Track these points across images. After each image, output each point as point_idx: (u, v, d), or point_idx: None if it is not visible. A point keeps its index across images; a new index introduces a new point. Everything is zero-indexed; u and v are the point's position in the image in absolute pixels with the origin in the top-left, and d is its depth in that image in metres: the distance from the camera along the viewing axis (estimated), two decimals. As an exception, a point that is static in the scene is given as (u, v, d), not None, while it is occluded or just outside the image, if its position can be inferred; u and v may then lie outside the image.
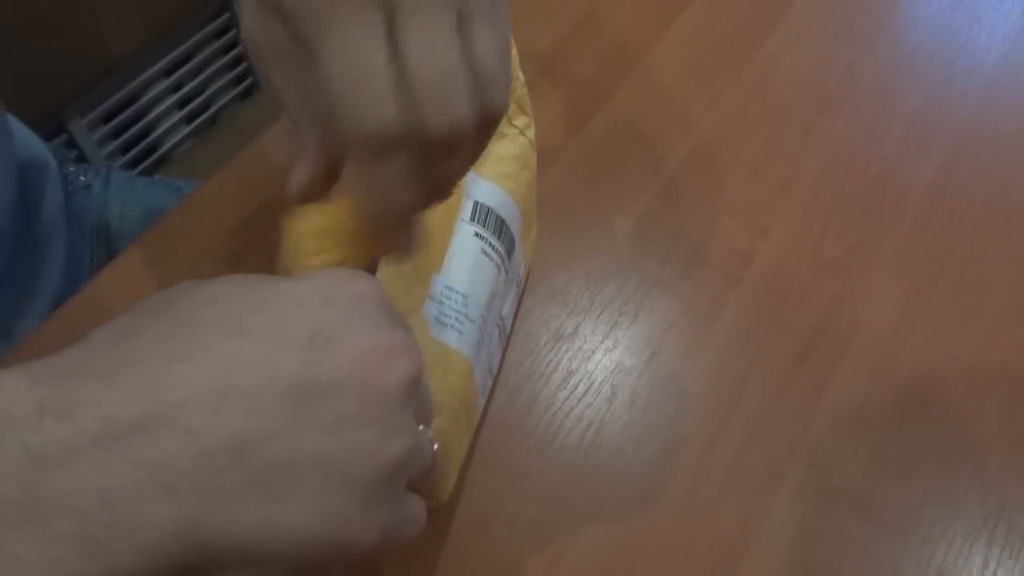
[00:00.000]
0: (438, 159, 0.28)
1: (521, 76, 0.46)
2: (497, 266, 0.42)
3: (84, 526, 0.20)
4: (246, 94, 1.15)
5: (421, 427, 0.29)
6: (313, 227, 0.30)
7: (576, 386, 0.51)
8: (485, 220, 0.41)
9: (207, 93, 1.11)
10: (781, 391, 0.52)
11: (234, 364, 0.23)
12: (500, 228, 0.42)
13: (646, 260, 0.56)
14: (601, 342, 0.52)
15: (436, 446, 0.30)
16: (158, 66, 1.02)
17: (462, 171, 0.30)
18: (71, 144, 0.97)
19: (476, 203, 0.41)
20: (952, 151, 0.62)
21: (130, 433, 0.21)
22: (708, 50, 0.66)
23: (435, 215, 0.39)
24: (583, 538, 0.47)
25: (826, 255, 0.57)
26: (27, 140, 0.69)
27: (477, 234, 0.40)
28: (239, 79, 1.14)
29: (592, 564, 0.46)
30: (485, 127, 0.28)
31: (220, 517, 0.22)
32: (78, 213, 0.73)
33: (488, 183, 0.43)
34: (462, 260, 0.39)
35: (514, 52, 0.46)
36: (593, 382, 0.51)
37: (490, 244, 0.41)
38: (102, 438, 0.21)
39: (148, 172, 1.08)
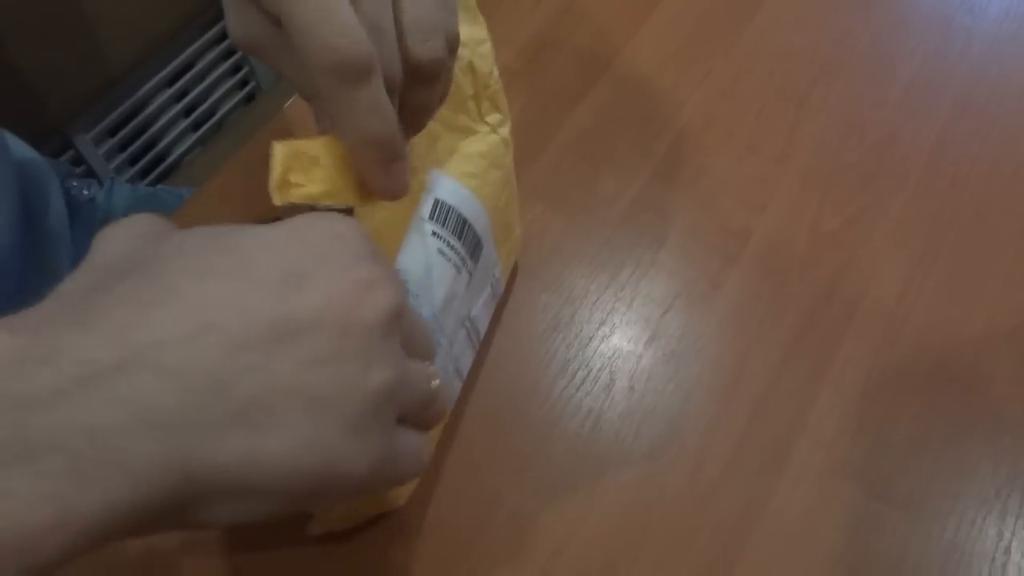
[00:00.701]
0: (421, 87, 0.31)
1: (495, 72, 0.46)
2: (456, 266, 0.41)
3: (74, 462, 0.21)
4: (249, 98, 1.16)
5: (418, 362, 0.29)
6: (300, 158, 0.30)
7: (574, 375, 0.50)
8: (445, 219, 0.40)
9: (211, 100, 1.11)
10: (782, 369, 0.51)
11: (207, 304, 0.24)
12: (462, 227, 0.41)
13: (641, 244, 0.55)
14: (598, 329, 0.52)
15: (436, 382, 0.30)
16: (160, 76, 1.03)
17: (441, 99, 0.33)
18: (78, 159, 0.98)
19: (437, 200, 0.41)
20: (953, 112, 0.61)
21: (111, 374, 0.22)
22: (696, 27, 0.65)
23: (387, 214, 0.38)
24: (586, 528, 0.46)
25: (825, 227, 0.56)
26: (27, 157, 0.69)
27: (435, 233, 0.40)
28: (242, 84, 1.14)
29: (596, 553, 0.46)
30: (451, 54, 0.31)
31: (205, 449, 0.23)
32: (82, 227, 0.73)
33: (451, 180, 0.42)
34: (415, 259, 0.38)
35: (489, 46, 0.46)
36: (591, 369, 0.51)
37: (448, 244, 0.40)
38: (84, 380, 0.22)
39: (157, 181, 1.09)
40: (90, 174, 1.00)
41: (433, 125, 0.41)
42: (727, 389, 0.50)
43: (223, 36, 1.10)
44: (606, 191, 0.57)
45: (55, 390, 0.21)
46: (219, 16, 1.07)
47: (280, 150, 0.30)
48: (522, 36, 0.65)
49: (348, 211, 0.35)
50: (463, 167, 0.43)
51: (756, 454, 0.48)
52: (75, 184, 0.76)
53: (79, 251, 0.70)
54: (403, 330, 0.28)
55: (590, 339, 0.52)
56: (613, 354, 0.51)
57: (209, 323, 0.24)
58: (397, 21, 0.30)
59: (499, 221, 0.47)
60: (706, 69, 0.63)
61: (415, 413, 0.30)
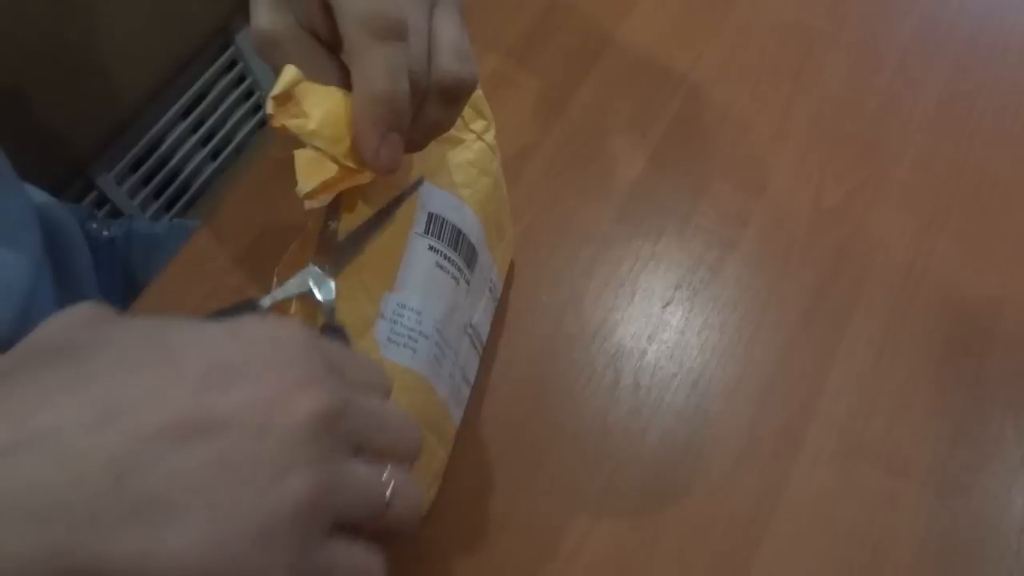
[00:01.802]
0: (442, 105, 0.33)
1: None
2: (455, 278, 0.41)
3: None
4: (264, 122, 1.17)
5: (370, 465, 0.27)
6: (310, 90, 0.32)
7: (579, 374, 0.50)
8: (440, 232, 0.41)
9: (227, 127, 1.13)
10: (790, 352, 0.50)
11: (119, 396, 0.23)
12: (457, 239, 0.42)
13: (638, 238, 0.54)
14: (600, 327, 0.52)
15: (391, 489, 0.28)
16: (175, 109, 1.04)
17: (451, 122, 0.35)
18: (102, 199, 1.00)
19: (431, 215, 0.41)
20: (954, 72, 0.59)
21: None
22: (683, 10, 0.64)
23: (385, 234, 0.38)
24: (600, 528, 0.46)
25: (827, 202, 0.55)
26: (49, 205, 0.71)
27: (431, 247, 0.40)
28: (255, 108, 1.16)
29: (611, 554, 0.45)
30: (472, 90, 0.34)
31: (94, 546, 0.21)
32: (104, 268, 0.75)
33: (443, 192, 0.42)
34: (415, 276, 0.39)
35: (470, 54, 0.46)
36: (596, 368, 0.50)
37: (445, 256, 0.41)
38: None
39: (183, 211, 1.11)
40: (115, 213, 1.02)
41: None
42: (734, 378, 0.49)
43: (233, 63, 1.11)
44: (601, 186, 0.57)
45: None
46: (228, 44, 1.08)
47: (290, 71, 0.31)
48: (509, 37, 0.64)
49: (333, 203, 0.37)
50: (453, 177, 0.43)
51: (768, 441, 0.48)
52: (94, 226, 0.78)
53: (104, 292, 0.72)
54: (354, 431, 0.27)
55: (592, 338, 0.51)
56: (616, 351, 0.51)
57: (116, 412, 0.22)
58: (432, 37, 0.32)
59: (492, 225, 0.47)
60: (696, 52, 0.62)
61: (365, 522, 0.27)
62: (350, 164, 0.33)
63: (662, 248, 0.54)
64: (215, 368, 0.24)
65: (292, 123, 0.32)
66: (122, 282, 0.77)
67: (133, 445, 0.22)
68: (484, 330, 0.48)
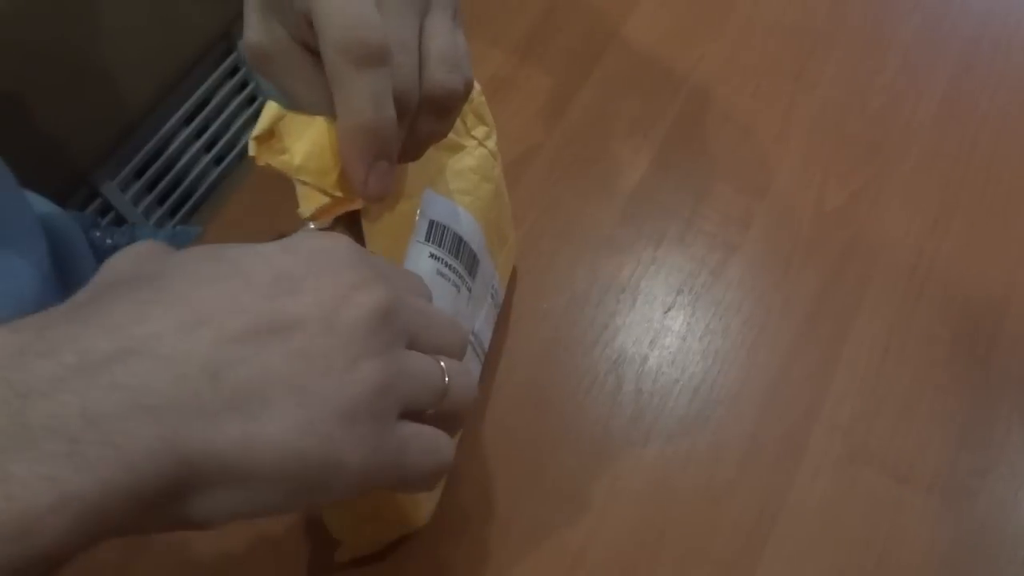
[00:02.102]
0: (434, 117, 0.33)
1: (478, 85, 0.45)
2: (456, 285, 0.41)
3: (73, 445, 0.21)
4: (268, 127, 1.17)
5: (426, 357, 0.30)
6: (292, 122, 0.31)
7: (580, 381, 0.50)
8: (441, 239, 0.40)
9: (230, 132, 1.13)
10: (793, 356, 0.50)
11: (201, 303, 0.25)
12: (458, 246, 0.41)
13: (639, 241, 0.54)
14: (601, 333, 0.51)
15: (448, 376, 0.30)
16: (178, 115, 1.05)
17: (446, 132, 0.35)
18: (107, 207, 1.00)
19: (431, 222, 0.41)
20: (957, 71, 0.59)
21: (108, 362, 0.23)
22: (685, 10, 0.64)
23: (386, 241, 0.38)
24: (603, 535, 0.46)
25: (830, 204, 0.55)
26: (53, 214, 0.71)
27: (432, 255, 0.40)
28: (258, 114, 1.16)
29: (614, 560, 0.45)
30: (466, 96, 0.34)
31: (201, 434, 0.23)
32: (109, 276, 0.75)
33: (444, 199, 0.42)
34: None
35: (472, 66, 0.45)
36: (597, 375, 0.50)
37: (446, 264, 0.40)
38: (83, 368, 0.23)
39: (187, 217, 1.11)
40: (119, 220, 1.02)
41: None
42: (737, 382, 0.49)
43: (236, 68, 1.11)
44: (602, 189, 0.56)
45: (54, 378, 0.22)
46: (230, 49, 1.08)
47: (271, 108, 0.31)
48: (510, 38, 0.64)
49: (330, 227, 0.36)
50: (454, 184, 0.43)
51: (771, 447, 0.47)
52: (98, 235, 0.78)
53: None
54: (405, 325, 0.29)
55: (594, 344, 0.51)
56: (618, 357, 0.50)
57: (203, 318, 0.25)
58: (423, 48, 0.32)
59: (493, 232, 0.47)
60: (698, 53, 0.62)
61: (428, 406, 0.30)
62: (339, 194, 0.32)
63: (664, 252, 0.54)
64: (281, 277, 0.27)
65: (276, 160, 0.31)
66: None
67: (222, 346, 0.25)
68: (486, 337, 0.48)
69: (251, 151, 0.31)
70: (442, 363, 0.31)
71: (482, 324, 0.46)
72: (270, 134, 0.31)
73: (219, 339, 0.25)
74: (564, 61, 0.62)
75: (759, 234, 0.54)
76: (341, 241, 0.29)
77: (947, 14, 0.61)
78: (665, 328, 0.51)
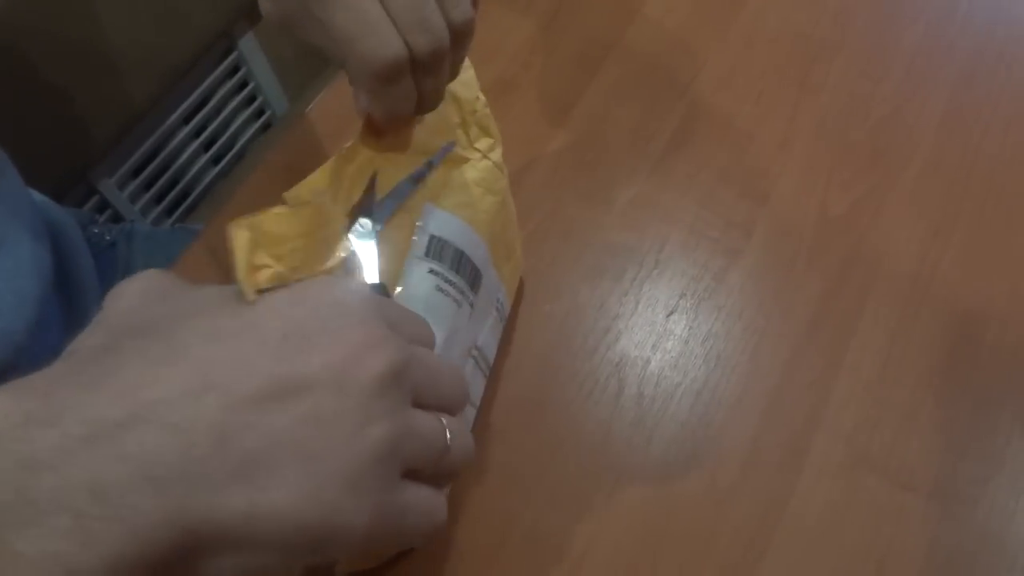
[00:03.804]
0: (429, 72, 0.35)
1: (482, 97, 0.45)
2: (456, 301, 0.40)
3: (78, 520, 0.21)
4: (266, 127, 1.17)
5: (430, 415, 0.30)
6: (263, 237, 0.29)
7: (582, 385, 0.50)
8: (440, 254, 0.40)
9: (229, 132, 1.13)
10: (795, 362, 0.50)
11: (211, 364, 0.25)
12: (458, 261, 0.41)
13: (642, 246, 0.54)
14: (603, 336, 0.51)
15: (450, 435, 0.30)
16: (176, 114, 1.04)
17: (448, 80, 0.37)
18: (103, 204, 1.00)
19: (432, 237, 0.40)
20: (960, 81, 0.59)
21: (115, 431, 0.23)
22: (689, 16, 0.64)
23: (383, 257, 0.38)
24: (604, 539, 0.46)
25: (833, 211, 0.55)
26: (50, 209, 0.71)
27: (432, 270, 0.39)
28: (258, 113, 1.15)
29: (614, 565, 0.45)
30: (458, 38, 0.35)
31: (206, 504, 0.24)
32: (107, 273, 0.75)
33: (445, 213, 0.41)
34: (413, 302, 0.38)
35: (472, 73, 0.45)
36: (599, 379, 0.50)
37: (446, 279, 0.40)
38: (88, 438, 0.22)
39: (184, 217, 1.11)
40: (117, 218, 1.02)
41: (422, 160, 0.41)
42: (739, 387, 0.49)
43: (236, 68, 1.11)
44: (604, 194, 0.56)
45: (60, 449, 0.22)
46: (230, 48, 1.08)
47: (240, 235, 0.29)
48: (513, 43, 0.64)
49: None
50: (456, 198, 0.43)
51: (773, 452, 0.47)
52: (96, 231, 0.78)
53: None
54: (415, 384, 0.29)
55: (596, 348, 0.51)
56: (620, 361, 0.50)
57: (212, 383, 0.25)
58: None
59: (499, 245, 0.46)
60: (702, 59, 0.62)
61: (427, 467, 0.30)
62: (325, 270, 0.32)
63: (666, 256, 0.54)
64: (292, 335, 0.26)
65: (265, 279, 0.29)
66: (123, 287, 0.76)
67: (230, 411, 0.24)
68: (491, 351, 0.48)
69: (245, 289, 0.28)
70: (443, 420, 0.31)
71: (486, 337, 0.46)
72: (249, 262, 0.29)
73: (227, 405, 0.25)
74: (568, 65, 0.62)
75: (762, 240, 0.54)
76: (353, 291, 0.29)
77: (950, 25, 0.61)
78: (668, 332, 0.51)
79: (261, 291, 0.28)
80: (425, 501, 0.30)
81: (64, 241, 0.69)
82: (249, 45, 1.10)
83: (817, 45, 0.62)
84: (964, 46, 0.60)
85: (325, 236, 0.32)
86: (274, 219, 0.30)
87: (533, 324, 0.52)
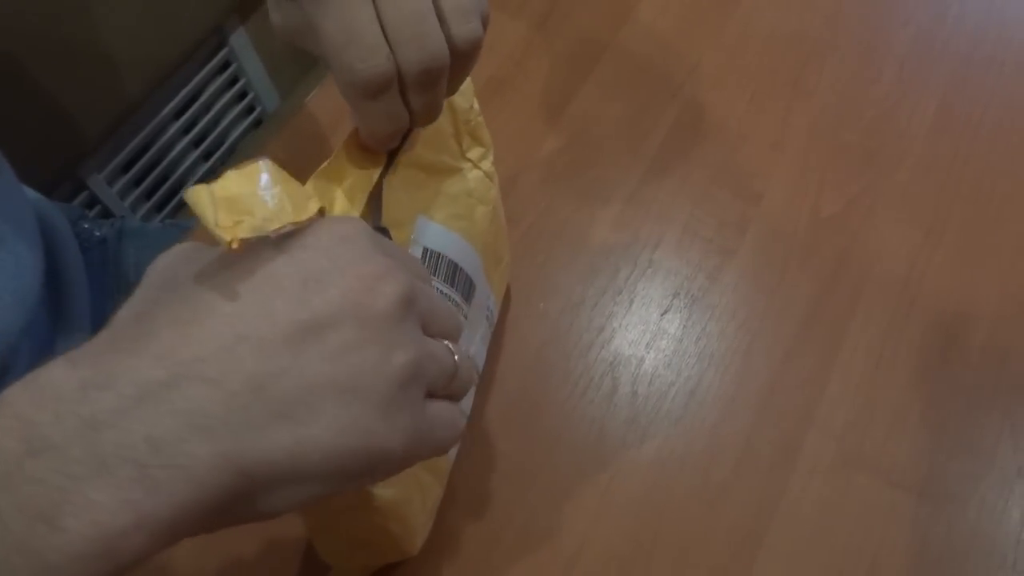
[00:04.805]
0: (421, 90, 0.34)
1: (476, 105, 0.45)
2: None
3: (143, 470, 0.23)
4: (257, 123, 1.17)
5: (439, 340, 0.32)
6: (222, 201, 0.28)
7: (576, 383, 0.50)
8: (435, 267, 0.40)
9: (219, 128, 1.12)
10: (788, 361, 0.50)
11: (238, 318, 0.26)
12: (453, 273, 0.41)
13: (636, 245, 0.54)
14: (597, 335, 0.51)
15: (457, 356, 0.32)
16: (167, 110, 1.04)
17: (449, 92, 0.36)
18: (93, 200, 0.99)
19: (426, 249, 0.40)
20: (952, 83, 0.59)
21: (160, 390, 0.25)
22: (681, 17, 0.64)
23: None
24: (597, 538, 0.46)
25: (825, 212, 0.55)
26: (40, 206, 0.70)
27: None
28: (248, 109, 1.15)
29: (607, 564, 0.45)
30: (460, 56, 0.34)
31: (254, 446, 0.25)
32: (96, 268, 0.74)
33: (438, 226, 0.41)
34: None
35: (468, 81, 0.45)
36: (593, 377, 0.50)
37: (441, 292, 0.40)
38: (141, 398, 0.24)
39: (174, 213, 1.10)
40: (106, 213, 1.01)
41: (415, 172, 0.40)
42: (732, 386, 0.49)
43: (227, 64, 1.11)
44: (598, 194, 0.56)
45: (116, 409, 0.24)
46: (221, 45, 1.08)
47: (199, 192, 0.28)
48: (508, 42, 0.64)
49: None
50: (449, 209, 0.42)
51: (766, 451, 0.47)
52: (86, 227, 0.77)
53: (95, 294, 0.71)
54: (421, 312, 0.30)
55: (590, 346, 0.51)
56: (614, 359, 0.51)
57: (242, 336, 0.26)
58: (437, 8, 0.33)
59: (490, 254, 0.46)
60: (694, 60, 0.62)
61: (443, 386, 0.31)
62: (302, 216, 0.31)
63: (660, 255, 0.54)
64: (307, 278, 0.28)
65: (247, 231, 0.28)
66: (113, 283, 0.76)
67: (263, 359, 0.26)
68: (481, 359, 0.47)
69: (225, 240, 0.27)
70: (449, 346, 0.32)
71: (478, 347, 0.46)
72: (216, 217, 0.28)
73: (259, 353, 0.26)
74: (562, 64, 0.63)
75: (755, 240, 0.54)
76: (356, 228, 0.30)
77: (942, 28, 0.62)
78: (662, 331, 0.51)
79: (243, 240, 0.28)
80: (447, 413, 0.32)
81: (54, 237, 0.68)
82: (240, 41, 1.10)
83: (810, 46, 0.62)
84: (955, 48, 0.61)
85: (289, 191, 0.30)
86: (225, 182, 0.29)
87: (527, 321, 0.52)
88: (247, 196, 0.29)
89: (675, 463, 0.47)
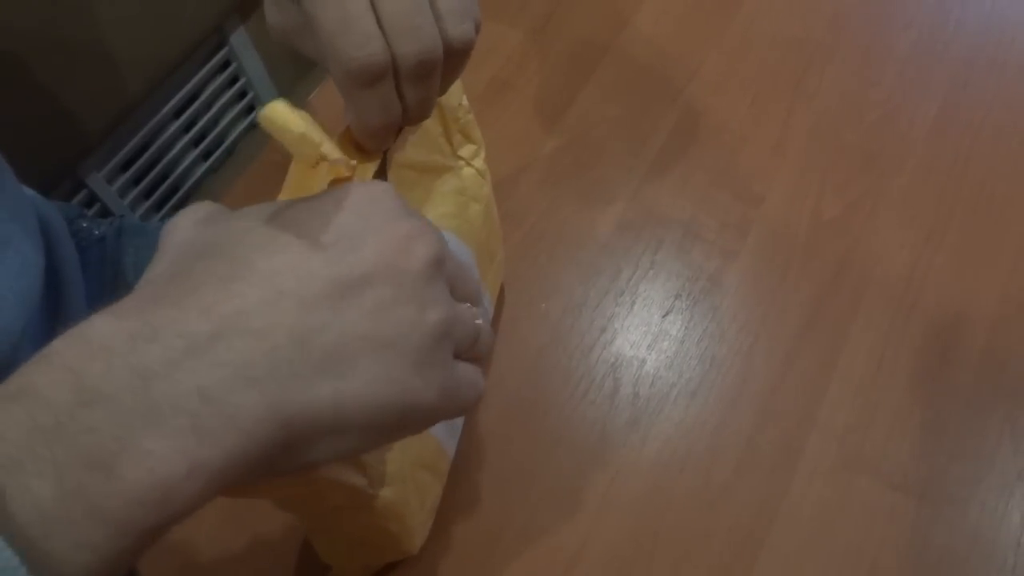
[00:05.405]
0: (415, 82, 0.34)
1: (466, 103, 0.45)
2: None
3: (194, 419, 0.24)
4: (256, 124, 1.16)
5: (463, 304, 0.33)
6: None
7: (577, 384, 0.50)
8: None
9: (219, 127, 1.12)
10: (789, 363, 0.50)
11: (277, 274, 0.27)
12: None
13: (638, 246, 0.54)
14: (599, 336, 0.51)
15: (480, 321, 0.33)
16: (166, 109, 1.04)
17: (439, 92, 0.36)
18: (92, 199, 0.99)
19: None
20: (952, 86, 0.59)
21: (206, 342, 0.25)
22: (684, 19, 0.64)
23: None
24: (597, 539, 0.46)
25: (826, 214, 0.55)
26: (39, 204, 0.70)
27: None
28: (248, 109, 1.15)
29: (608, 564, 0.45)
30: (453, 55, 0.34)
31: (298, 397, 0.26)
32: (95, 267, 0.74)
33: None
34: None
35: (458, 83, 0.45)
36: (594, 378, 0.50)
37: None
38: (187, 350, 0.25)
39: (171, 213, 1.10)
40: (105, 212, 1.01)
41: (407, 172, 0.40)
42: (733, 388, 0.49)
43: (227, 63, 1.10)
44: (600, 195, 0.56)
45: (165, 361, 0.25)
46: (221, 44, 1.08)
47: (276, 106, 0.31)
48: (509, 44, 0.64)
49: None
50: (441, 208, 0.43)
51: (767, 453, 0.48)
52: (85, 225, 0.77)
53: (92, 292, 0.71)
54: (448, 274, 0.31)
55: (591, 347, 0.51)
56: (615, 361, 0.51)
57: (283, 291, 0.27)
58: (433, 8, 0.33)
59: (483, 252, 0.46)
60: (696, 62, 0.62)
61: (467, 348, 0.32)
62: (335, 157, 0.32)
63: (662, 257, 0.54)
64: (343, 237, 0.29)
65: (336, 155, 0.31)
66: (111, 283, 0.76)
67: (304, 314, 0.27)
68: None
69: (264, 113, 0.30)
70: (472, 308, 0.33)
71: None
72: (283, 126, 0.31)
73: (300, 308, 0.27)
74: (563, 66, 0.63)
75: (757, 242, 0.54)
76: (386, 190, 0.31)
77: (943, 31, 0.62)
78: (663, 332, 0.51)
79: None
80: (472, 374, 0.33)
81: (51, 236, 0.68)
82: (240, 41, 1.09)
83: (811, 50, 0.62)
84: (956, 52, 0.61)
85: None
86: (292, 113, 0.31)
87: (528, 324, 0.52)
88: (316, 130, 0.31)
89: (676, 464, 0.47)
